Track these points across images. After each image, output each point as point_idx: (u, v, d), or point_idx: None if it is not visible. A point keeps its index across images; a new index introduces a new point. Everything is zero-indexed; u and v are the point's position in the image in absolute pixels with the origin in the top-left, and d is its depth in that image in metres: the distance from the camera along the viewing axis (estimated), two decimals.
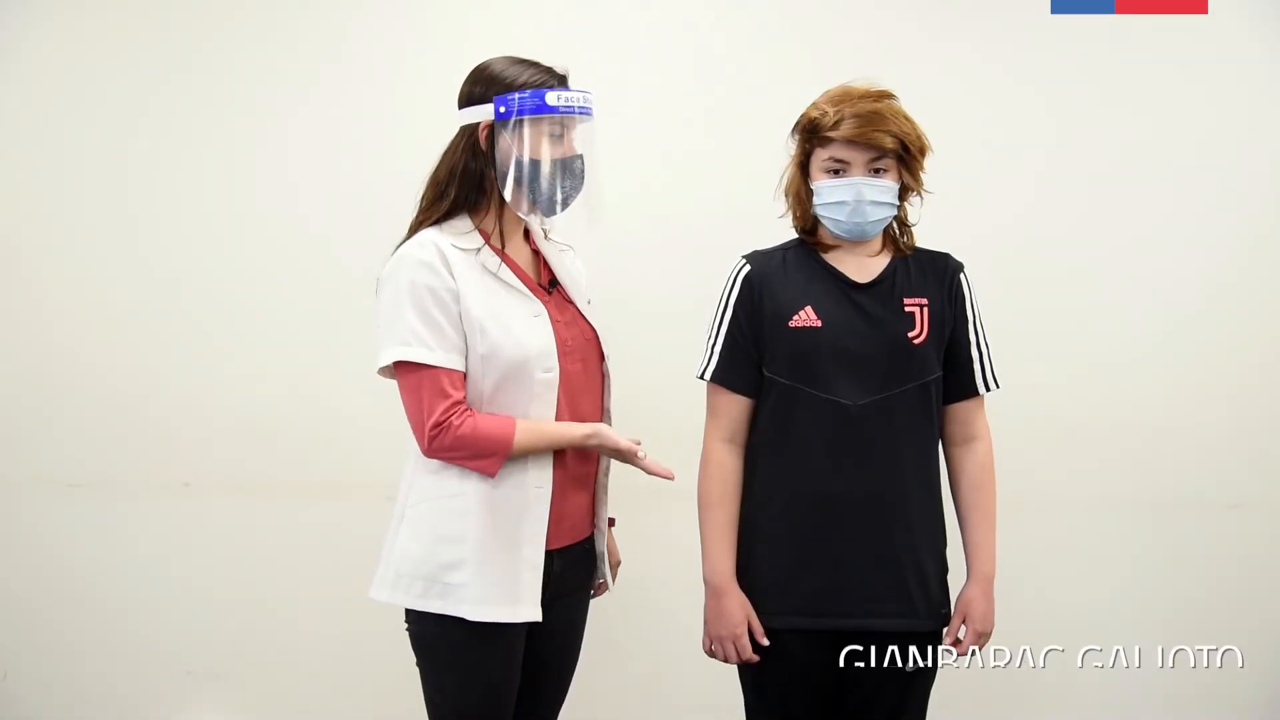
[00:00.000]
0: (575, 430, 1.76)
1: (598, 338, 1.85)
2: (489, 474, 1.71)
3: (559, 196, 1.76)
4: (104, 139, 2.61)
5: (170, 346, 2.62)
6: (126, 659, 2.65)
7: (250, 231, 2.61)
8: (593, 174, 1.80)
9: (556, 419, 1.76)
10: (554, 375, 1.75)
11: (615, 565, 1.98)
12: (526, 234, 1.87)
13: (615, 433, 1.79)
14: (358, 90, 2.61)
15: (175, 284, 2.61)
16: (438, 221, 1.79)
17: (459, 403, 1.70)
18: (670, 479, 1.79)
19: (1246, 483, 2.61)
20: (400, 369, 1.72)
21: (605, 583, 1.95)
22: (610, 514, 1.93)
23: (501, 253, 1.79)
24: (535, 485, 1.74)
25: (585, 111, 1.77)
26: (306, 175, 2.61)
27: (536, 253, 1.87)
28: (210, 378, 2.62)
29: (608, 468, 1.89)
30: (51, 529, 2.65)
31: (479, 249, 1.76)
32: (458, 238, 1.76)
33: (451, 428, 1.68)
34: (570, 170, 1.77)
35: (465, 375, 1.73)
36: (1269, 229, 2.59)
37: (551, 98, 1.73)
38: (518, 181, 1.74)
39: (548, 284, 1.84)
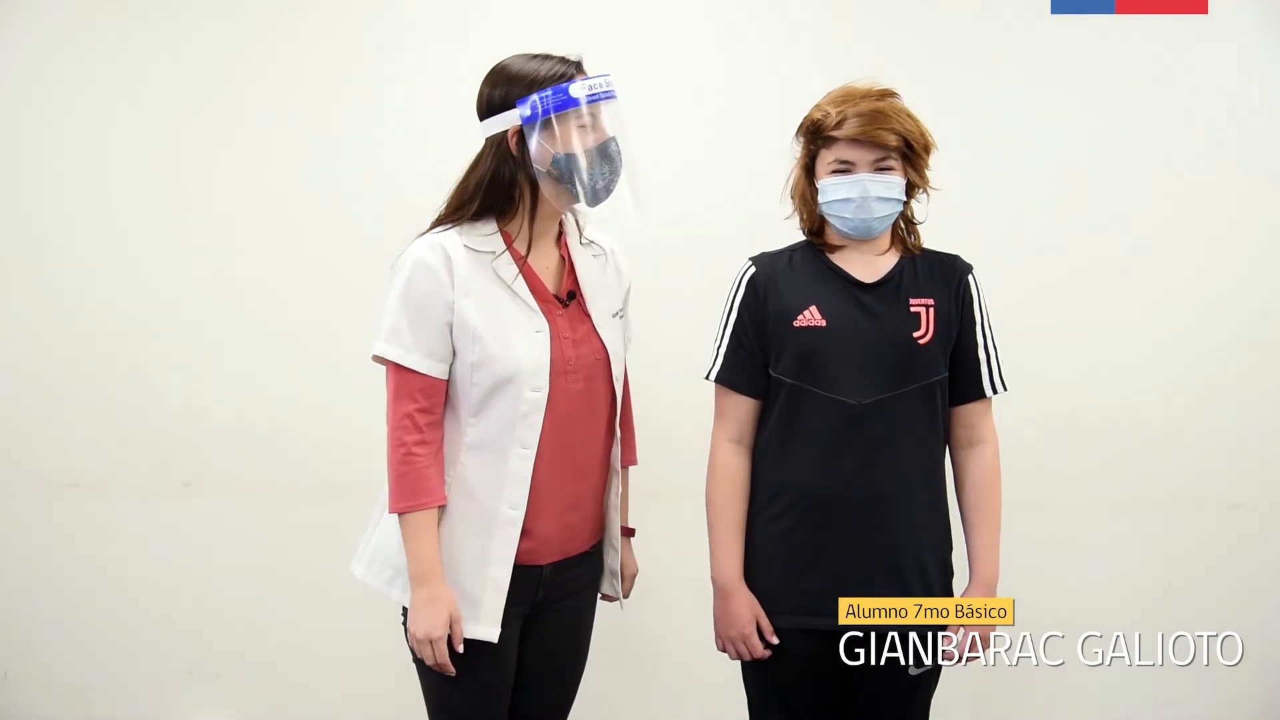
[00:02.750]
0: (425, 571, 1.68)
1: (608, 357, 1.81)
2: (390, 508, 1.71)
3: (600, 184, 1.73)
4: (103, 140, 2.60)
5: (170, 346, 2.61)
6: (126, 659, 2.65)
7: (250, 232, 2.61)
8: (628, 153, 1.76)
9: (542, 438, 1.72)
10: (542, 395, 1.71)
11: (631, 576, 1.94)
12: (560, 237, 1.83)
13: (425, 624, 1.66)
14: (359, 95, 2.60)
15: (175, 284, 2.61)
16: (456, 217, 1.77)
17: (424, 410, 1.70)
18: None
19: (1246, 483, 2.62)
20: (385, 362, 1.73)
21: (614, 595, 1.92)
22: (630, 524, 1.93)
23: (523, 260, 1.76)
24: (510, 505, 1.72)
25: (609, 95, 1.74)
26: (306, 177, 2.60)
27: (565, 259, 1.82)
28: (210, 378, 2.62)
29: (617, 486, 1.86)
30: (51, 529, 2.64)
31: (496, 254, 1.74)
32: (478, 239, 1.74)
33: (407, 445, 1.69)
34: (606, 155, 1.73)
35: (445, 384, 1.72)
36: (1270, 229, 2.59)
37: (575, 89, 1.71)
38: (558, 180, 1.72)
39: (566, 295, 1.79)
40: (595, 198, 1.73)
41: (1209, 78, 2.58)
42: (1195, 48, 2.58)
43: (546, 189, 1.73)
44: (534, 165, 1.71)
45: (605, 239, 1.89)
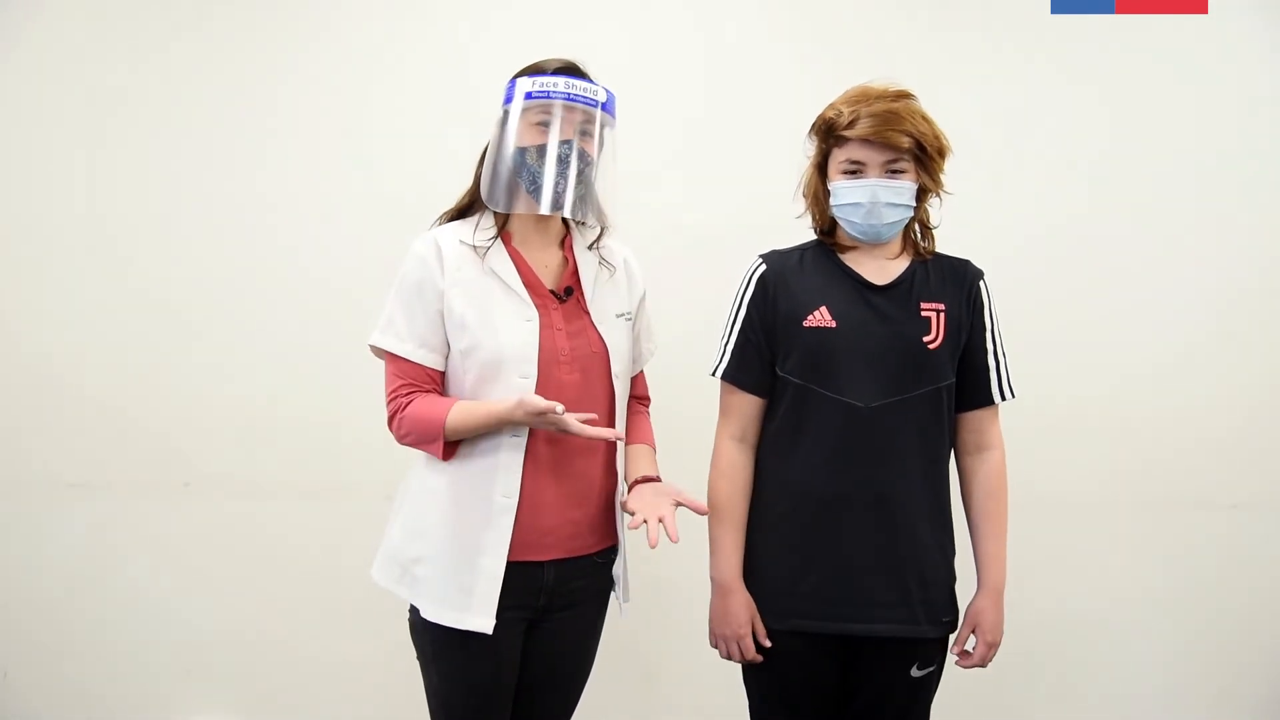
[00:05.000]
0: (503, 405, 1.65)
1: (606, 352, 1.78)
2: (440, 458, 1.71)
3: (542, 184, 1.68)
4: (105, 140, 2.60)
5: (170, 347, 2.61)
6: (126, 659, 2.65)
7: (250, 233, 2.61)
8: (592, 165, 1.72)
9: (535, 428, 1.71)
10: (530, 382, 1.70)
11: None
12: (566, 240, 1.82)
13: (536, 396, 1.63)
14: (361, 97, 2.60)
15: (175, 285, 2.61)
16: (462, 213, 1.79)
17: (410, 385, 1.72)
18: (611, 439, 1.70)
19: (1246, 483, 2.62)
20: (381, 353, 1.76)
21: (620, 597, 1.88)
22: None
23: (516, 252, 1.76)
24: (502, 494, 1.71)
25: (574, 100, 1.69)
26: (306, 177, 2.60)
27: (569, 260, 1.81)
28: (210, 378, 2.62)
29: (621, 489, 1.84)
30: (51, 529, 2.64)
31: (489, 246, 1.74)
32: (476, 233, 1.75)
33: (399, 410, 1.72)
34: (550, 157, 1.68)
35: (440, 373, 1.74)
36: (1269, 229, 2.59)
37: (525, 84, 1.70)
38: (488, 173, 1.71)
39: (563, 291, 1.78)
40: (540, 197, 1.69)
41: (1209, 77, 2.59)
42: (1195, 48, 2.58)
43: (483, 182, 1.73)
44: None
45: (620, 248, 1.88)
